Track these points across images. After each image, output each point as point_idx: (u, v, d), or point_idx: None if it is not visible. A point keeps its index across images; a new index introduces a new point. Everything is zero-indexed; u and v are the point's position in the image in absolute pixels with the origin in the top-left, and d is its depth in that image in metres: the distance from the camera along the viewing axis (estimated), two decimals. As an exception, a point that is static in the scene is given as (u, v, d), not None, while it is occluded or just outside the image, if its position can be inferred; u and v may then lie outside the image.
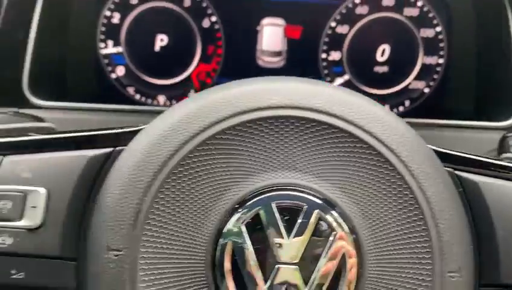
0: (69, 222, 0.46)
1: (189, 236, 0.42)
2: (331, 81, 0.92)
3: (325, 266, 0.41)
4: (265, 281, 0.41)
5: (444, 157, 0.48)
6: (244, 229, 0.42)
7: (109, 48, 0.92)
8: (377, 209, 0.43)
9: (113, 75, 0.93)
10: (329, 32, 0.91)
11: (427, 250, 0.42)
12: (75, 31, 0.89)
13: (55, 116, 0.83)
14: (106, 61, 0.93)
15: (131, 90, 0.94)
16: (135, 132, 0.47)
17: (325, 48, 0.92)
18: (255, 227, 0.42)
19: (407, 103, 0.94)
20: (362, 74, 0.93)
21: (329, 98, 0.44)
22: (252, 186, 0.43)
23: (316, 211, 0.42)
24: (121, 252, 0.42)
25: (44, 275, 0.46)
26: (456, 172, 0.48)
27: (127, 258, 0.42)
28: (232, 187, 0.43)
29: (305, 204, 0.42)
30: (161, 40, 0.92)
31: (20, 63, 0.82)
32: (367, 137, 0.43)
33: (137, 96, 0.94)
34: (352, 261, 0.42)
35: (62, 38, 0.87)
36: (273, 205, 0.42)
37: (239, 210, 0.42)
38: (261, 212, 0.42)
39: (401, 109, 0.94)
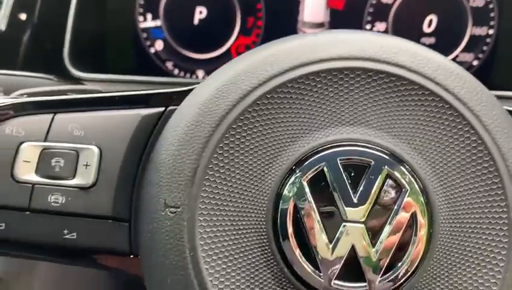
0: (122, 181, 0.45)
1: (250, 193, 0.40)
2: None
3: (393, 226, 0.39)
4: (330, 241, 0.39)
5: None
6: (306, 186, 0.39)
7: (148, 22, 0.91)
8: (448, 166, 0.40)
9: (152, 50, 0.92)
10: (374, 2, 0.88)
11: (504, 210, 0.40)
12: (114, 3, 0.87)
13: (94, 88, 0.82)
14: (145, 35, 0.91)
15: (169, 64, 0.93)
16: (188, 92, 0.45)
17: (369, 18, 0.89)
18: (319, 184, 0.40)
19: (454, 76, 0.90)
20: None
21: (396, 48, 0.41)
22: (315, 142, 0.40)
23: (385, 168, 0.40)
24: (178, 209, 0.40)
25: (96, 236, 0.45)
26: None
27: (185, 215, 0.40)
28: (294, 143, 0.41)
29: (372, 160, 0.40)
30: (200, 13, 0.90)
31: (61, 36, 0.81)
32: (438, 90, 0.40)
33: (176, 71, 0.92)
34: (422, 221, 0.39)
35: (101, 11, 0.86)
36: (338, 161, 0.40)
37: (301, 166, 0.40)
38: (325, 168, 0.40)
39: (448, 82, 0.90)
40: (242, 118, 0.40)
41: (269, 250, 0.40)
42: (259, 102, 0.40)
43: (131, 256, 0.45)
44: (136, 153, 0.45)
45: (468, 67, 0.89)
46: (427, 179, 0.40)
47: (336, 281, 0.39)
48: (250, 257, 0.40)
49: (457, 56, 0.89)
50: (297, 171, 0.40)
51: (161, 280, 0.40)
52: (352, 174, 0.40)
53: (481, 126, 0.40)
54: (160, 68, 0.91)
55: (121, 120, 0.46)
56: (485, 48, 0.88)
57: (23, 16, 0.81)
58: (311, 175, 0.40)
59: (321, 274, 0.39)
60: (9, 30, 0.77)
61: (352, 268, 0.39)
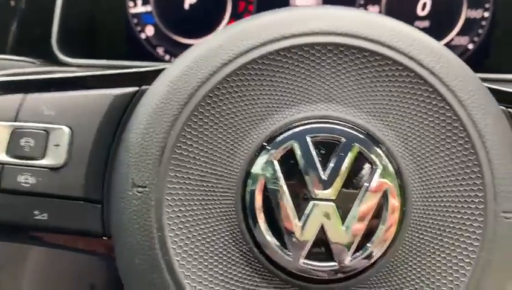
0: (94, 162, 0.44)
1: (219, 172, 0.40)
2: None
3: (364, 205, 0.38)
4: (299, 220, 0.38)
5: (496, 95, 0.44)
6: (276, 164, 0.39)
7: (138, 7, 0.90)
8: (422, 143, 0.39)
9: (143, 35, 0.91)
10: (368, -15, 0.87)
11: (479, 187, 0.39)
12: (103, -12, 0.87)
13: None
14: (135, 20, 0.90)
15: (160, 50, 0.92)
16: (161, 70, 0.45)
17: (362, 1, 0.88)
18: (289, 163, 0.39)
19: (449, 60, 0.89)
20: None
21: (369, 23, 0.40)
22: (285, 120, 0.39)
23: (355, 145, 0.39)
24: (146, 189, 0.39)
25: (68, 217, 0.44)
26: (510, 110, 0.44)
27: (153, 195, 0.39)
28: (263, 121, 0.40)
29: (342, 137, 0.39)
30: (190, -3, 0.89)
31: (49, 20, 0.80)
32: (412, 64, 0.39)
33: (167, 57, 0.91)
34: (394, 199, 0.38)
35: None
36: (308, 139, 0.39)
37: (271, 144, 0.39)
38: (295, 146, 0.39)
39: (442, 66, 0.89)
40: (211, 95, 0.40)
41: (238, 230, 0.39)
42: (229, 79, 0.40)
43: (105, 237, 0.45)
44: (108, 133, 0.44)
45: (464, 50, 0.87)
46: (400, 157, 0.39)
47: (306, 261, 0.38)
48: (219, 237, 0.39)
49: (452, 39, 0.87)
50: (267, 150, 0.39)
51: (129, 261, 0.40)
52: (324, 152, 0.39)
53: (457, 102, 0.39)
54: (151, 54, 0.91)
55: (94, 100, 0.45)
56: (480, 31, 0.86)
57: (12, 2, 0.80)
58: (282, 153, 0.39)
59: (290, 254, 0.38)
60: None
61: (323, 248, 0.38)
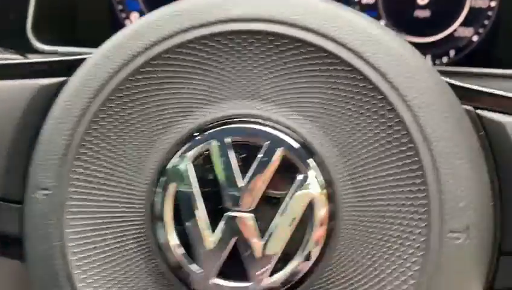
0: (13, 159, 0.40)
1: (127, 175, 0.35)
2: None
3: (287, 216, 0.33)
4: (213, 231, 0.34)
5: (462, 93, 0.38)
6: (191, 168, 0.34)
7: (123, -8, 0.86)
8: (358, 147, 0.34)
9: (127, 22, 0.87)
10: (363, -29, 0.81)
11: (422, 202, 0.33)
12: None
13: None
14: (120, 7, 0.87)
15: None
16: None
17: (357, -12, 0.82)
18: (205, 167, 0.34)
19: (452, 52, 0.82)
20: (400, 19, 0.82)
21: (305, 7, 0.35)
22: (203, 118, 0.35)
23: (280, 149, 0.34)
24: (49, 192, 0.35)
25: None
26: (478, 111, 0.38)
27: (55, 199, 0.35)
28: (179, 119, 0.35)
29: (266, 140, 0.34)
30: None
31: (25, 3, 0.77)
32: (350, 57, 0.34)
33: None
34: (321, 212, 0.33)
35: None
36: (227, 141, 0.34)
37: (185, 146, 0.34)
38: (212, 148, 0.34)
39: (445, 59, 0.82)
40: (122, 88, 0.35)
41: (146, 242, 0.35)
42: (143, 70, 0.35)
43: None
44: (31, 127, 0.41)
45: (468, 43, 0.80)
46: (331, 164, 0.34)
47: (217, 280, 0.33)
48: (125, 248, 0.35)
49: (455, 31, 0.80)
50: (181, 152, 0.34)
51: (33, 272, 0.36)
52: (245, 155, 0.34)
53: (401, 101, 0.33)
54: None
55: (17, 90, 0.41)
56: (486, 21, 0.79)
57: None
58: (197, 156, 0.34)
59: (201, 271, 0.34)
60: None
61: (238, 265, 0.33)
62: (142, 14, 0.86)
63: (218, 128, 0.34)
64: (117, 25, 0.86)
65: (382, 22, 0.82)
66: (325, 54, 0.34)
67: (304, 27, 0.34)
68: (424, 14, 0.80)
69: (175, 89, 0.35)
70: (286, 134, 0.34)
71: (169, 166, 0.34)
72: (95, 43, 0.85)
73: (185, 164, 0.34)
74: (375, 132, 0.34)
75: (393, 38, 0.35)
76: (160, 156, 0.35)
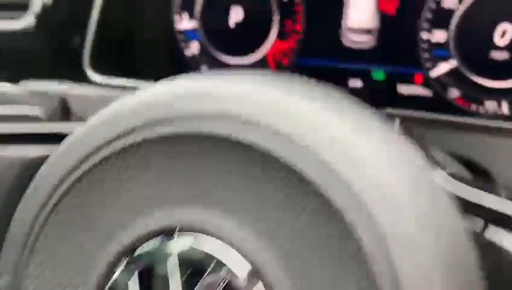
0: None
1: (77, 281, 0.34)
2: (433, 68, 0.74)
3: None
4: None
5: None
6: (134, 282, 0.32)
7: (184, 22, 0.86)
8: (310, 275, 0.30)
9: (188, 53, 0.87)
10: (433, 6, 0.73)
11: None
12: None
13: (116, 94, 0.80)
14: (181, 37, 0.87)
15: (204, 69, 0.87)
16: None
17: (426, 26, 0.74)
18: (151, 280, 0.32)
19: (533, 100, 0.72)
20: (474, 60, 0.73)
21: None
22: (146, 228, 0.32)
23: (224, 270, 0.30)
24: (7, 280, 0.35)
25: None
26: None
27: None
28: (115, 233, 0.33)
29: (211, 260, 0.30)
30: (236, 14, 0.83)
31: (83, 33, 0.79)
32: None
33: (213, 76, 0.86)
34: None
35: (130, 7, 0.83)
36: (171, 260, 0.31)
37: (130, 257, 0.32)
38: (154, 263, 0.31)
39: (525, 108, 0.72)
40: (67, 193, 0.34)
41: None
42: (84, 176, 0.33)
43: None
44: (16, 201, 0.41)
45: (554, 92, 0.70)
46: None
47: None
48: None
49: (538, 76, 0.70)
50: (126, 263, 0.32)
51: None
52: (191, 270, 0.31)
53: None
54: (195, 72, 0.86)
55: (9, 161, 0.42)
56: None
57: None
58: (141, 269, 0.32)
59: None
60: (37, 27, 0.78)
61: None
62: (202, 44, 0.85)
63: (159, 245, 0.31)
64: (177, 54, 0.86)
65: (453, 62, 0.74)
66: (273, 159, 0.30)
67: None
68: (502, 55, 0.71)
69: (107, 203, 0.33)
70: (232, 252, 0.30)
71: (113, 279, 0.32)
72: (154, 74, 0.86)
73: (127, 277, 0.31)
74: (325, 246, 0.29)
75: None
76: (106, 265, 0.33)
